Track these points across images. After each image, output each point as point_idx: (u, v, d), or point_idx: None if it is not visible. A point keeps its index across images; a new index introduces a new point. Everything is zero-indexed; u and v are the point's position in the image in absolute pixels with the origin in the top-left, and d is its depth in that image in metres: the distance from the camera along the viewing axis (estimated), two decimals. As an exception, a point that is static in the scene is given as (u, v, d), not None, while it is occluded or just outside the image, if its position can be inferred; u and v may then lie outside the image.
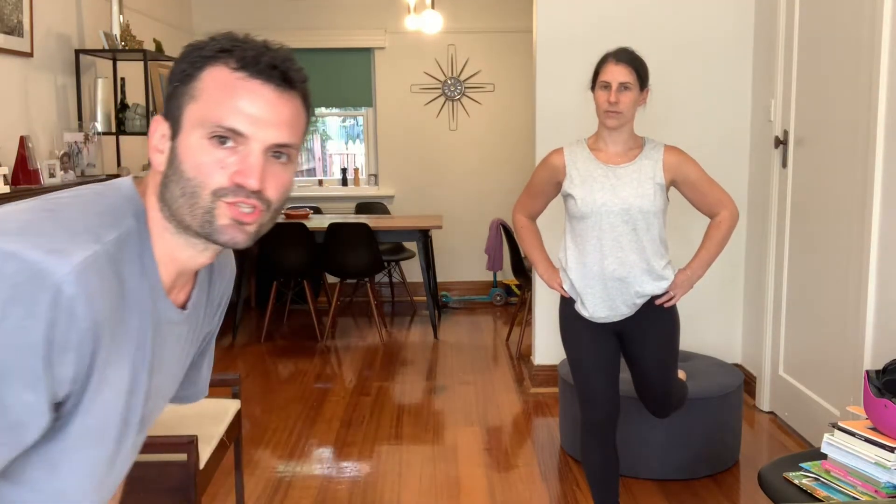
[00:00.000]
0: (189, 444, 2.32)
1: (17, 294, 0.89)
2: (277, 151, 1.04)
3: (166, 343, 1.11)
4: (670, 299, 2.62)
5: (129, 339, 1.02)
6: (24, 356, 0.90)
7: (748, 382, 4.14)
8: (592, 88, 2.60)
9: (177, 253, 1.08)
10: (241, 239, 1.05)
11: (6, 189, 3.36)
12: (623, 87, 2.51)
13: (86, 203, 1.02)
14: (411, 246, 6.31)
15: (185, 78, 1.03)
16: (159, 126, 1.06)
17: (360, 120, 7.09)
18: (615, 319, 2.60)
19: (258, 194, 1.02)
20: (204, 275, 1.20)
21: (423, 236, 5.75)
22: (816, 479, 2.11)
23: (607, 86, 2.52)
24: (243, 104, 1.01)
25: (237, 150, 1.01)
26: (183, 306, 1.15)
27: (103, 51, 4.57)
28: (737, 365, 4.33)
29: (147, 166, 1.09)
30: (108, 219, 1.01)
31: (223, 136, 1.01)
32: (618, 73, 2.51)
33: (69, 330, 0.92)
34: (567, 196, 2.62)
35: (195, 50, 1.05)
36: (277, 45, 1.08)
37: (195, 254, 1.09)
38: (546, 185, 2.71)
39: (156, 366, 1.10)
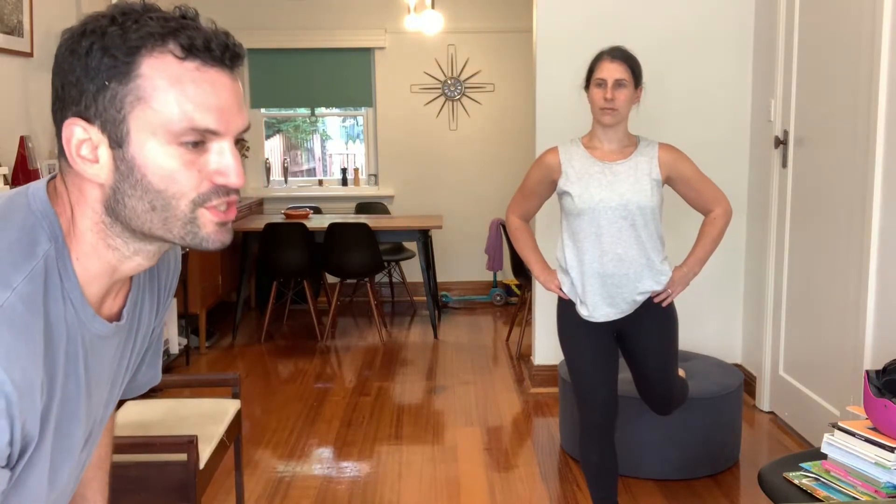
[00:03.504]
0: (189, 444, 2.32)
1: None
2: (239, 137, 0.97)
3: (103, 357, 1.03)
4: (667, 297, 2.62)
5: (58, 375, 0.94)
6: None
7: (748, 382, 4.14)
8: (587, 87, 2.60)
9: (120, 265, 0.99)
10: (228, 239, 0.97)
11: (6, 189, 3.37)
12: (618, 83, 2.51)
13: None
14: (411, 246, 6.31)
15: (117, 74, 0.88)
16: (78, 131, 0.91)
17: (360, 120, 7.09)
18: (615, 318, 2.60)
19: (235, 189, 0.95)
20: (144, 272, 1.10)
21: (423, 236, 5.75)
22: (816, 479, 2.11)
23: (603, 83, 2.53)
24: (209, 99, 0.90)
25: (208, 147, 0.93)
26: (118, 314, 1.05)
27: (103, 51, 4.56)
28: (737, 365, 4.32)
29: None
30: (19, 251, 0.90)
31: (196, 141, 0.91)
32: (613, 70, 2.52)
33: None
34: (563, 193, 2.61)
35: (111, 36, 0.88)
36: (192, 11, 0.94)
37: (143, 261, 1.00)
38: (540, 184, 2.71)
39: (92, 385, 1.01)
